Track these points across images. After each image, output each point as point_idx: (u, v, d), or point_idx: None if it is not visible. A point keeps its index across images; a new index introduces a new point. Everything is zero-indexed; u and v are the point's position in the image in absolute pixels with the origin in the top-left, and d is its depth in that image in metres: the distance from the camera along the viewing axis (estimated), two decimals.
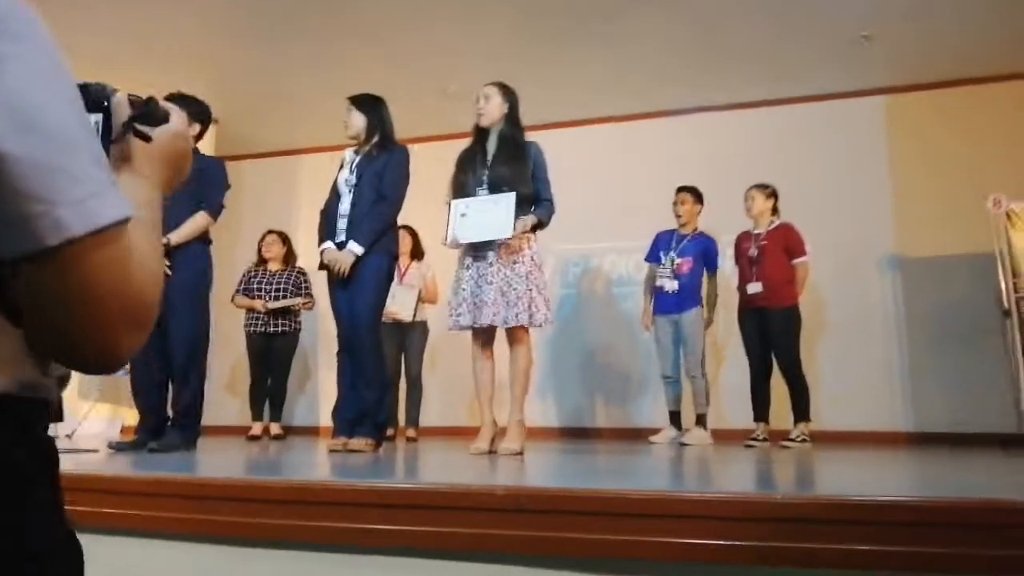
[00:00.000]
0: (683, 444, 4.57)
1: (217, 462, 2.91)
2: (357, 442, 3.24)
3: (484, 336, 3.24)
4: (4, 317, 0.58)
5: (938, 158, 5.58)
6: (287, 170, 7.00)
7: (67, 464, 2.42)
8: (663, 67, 5.56)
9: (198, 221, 3.47)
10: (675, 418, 4.83)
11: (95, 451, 3.33)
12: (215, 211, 3.55)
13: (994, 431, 4.95)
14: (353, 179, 3.47)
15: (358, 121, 3.53)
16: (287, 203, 6.76)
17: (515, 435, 3.11)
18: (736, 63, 5.47)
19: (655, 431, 4.92)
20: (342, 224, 3.46)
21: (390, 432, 5.21)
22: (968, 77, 5.56)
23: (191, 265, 3.45)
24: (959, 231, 5.29)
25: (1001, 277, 4.76)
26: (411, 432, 5.24)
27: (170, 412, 3.44)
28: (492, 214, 3.12)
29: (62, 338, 0.58)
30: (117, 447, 3.32)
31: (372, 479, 1.94)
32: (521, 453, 3.06)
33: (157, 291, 0.63)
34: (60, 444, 3.01)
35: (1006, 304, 4.72)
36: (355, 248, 3.34)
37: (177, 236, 3.40)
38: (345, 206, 3.47)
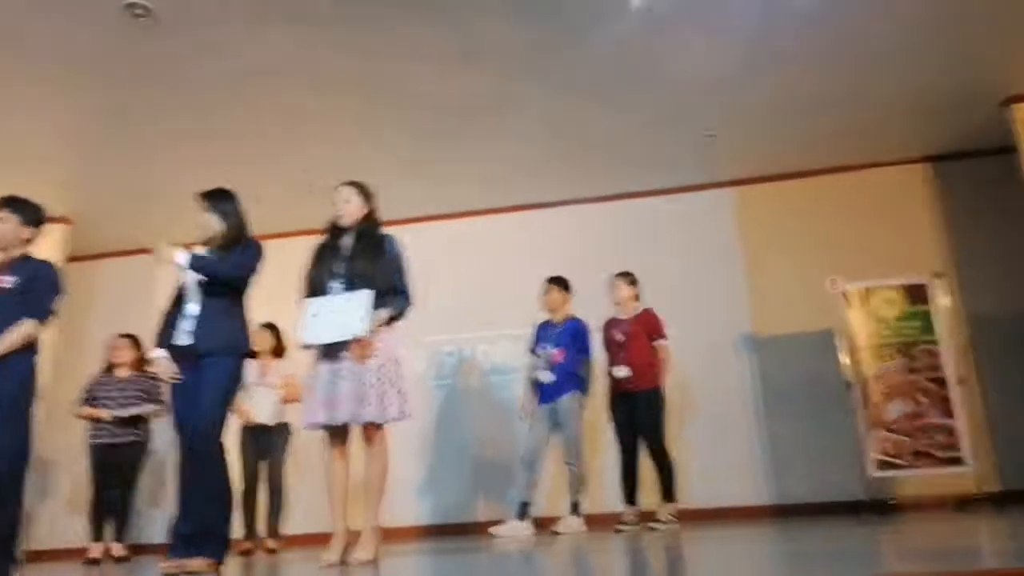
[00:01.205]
0: (556, 533, 4.52)
1: None
2: (197, 563, 2.98)
3: (338, 436, 3.11)
4: None
5: (787, 243, 5.99)
6: (143, 269, 6.66)
7: None
8: (526, 163, 5.78)
9: (24, 329, 3.19)
10: (524, 508, 4.70)
11: None
12: (43, 318, 3.29)
13: (847, 499, 5.18)
14: (203, 282, 3.32)
15: (214, 223, 3.36)
16: (146, 303, 6.42)
17: (368, 542, 2.96)
18: (594, 159, 5.77)
19: (540, 521, 4.81)
20: (188, 326, 3.28)
21: (249, 545, 4.91)
22: (808, 169, 6.08)
23: (13, 376, 3.15)
24: (807, 311, 5.65)
25: (840, 353, 5.10)
26: (271, 543, 4.93)
27: None
28: (345, 313, 3.05)
29: None
30: None
31: None
32: (375, 561, 2.91)
33: None
34: None
35: (847, 378, 5.05)
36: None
37: (2, 346, 3.13)
38: (194, 307, 3.30)
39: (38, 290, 3.30)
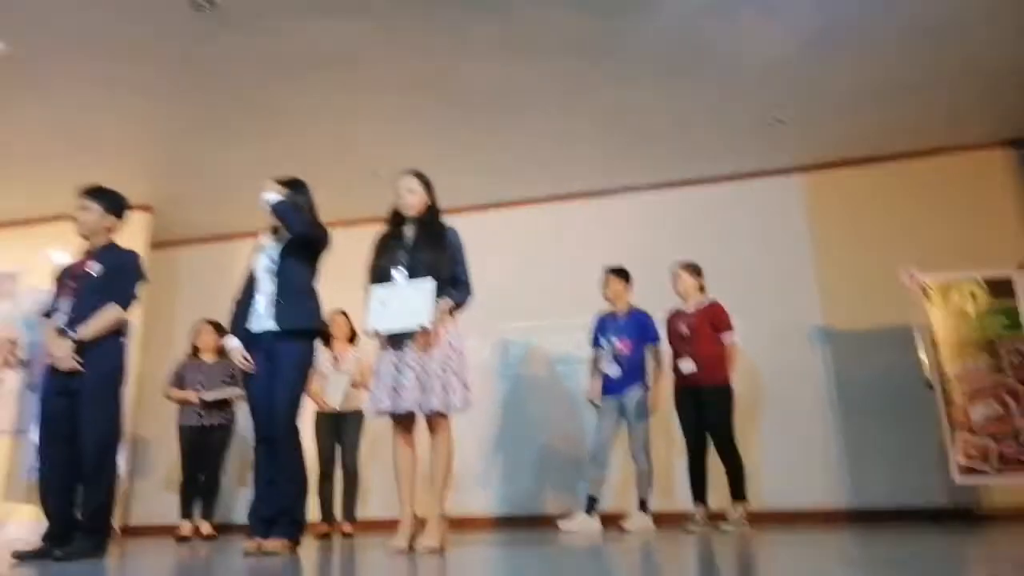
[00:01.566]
0: (624, 530, 4.50)
1: (123, 571, 2.77)
2: (273, 543, 3.13)
3: (404, 424, 3.18)
4: None
5: (859, 233, 5.78)
6: (224, 255, 6.96)
7: None
8: (589, 151, 5.77)
9: (108, 314, 3.39)
10: (592, 503, 4.70)
11: None
12: (126, 304, 3.47)
13: (928, 505, 4.99)
14: (275, 266, 3.45)
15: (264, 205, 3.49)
16: (224, 289, 6.70)
17: (435, 531, 3.02)
18: (657, 145, 5.70)
19: (607, 517, 4.79)
20: (261, 311, 3.41)
21: (325, 528, 5.08)
22: (881, 155, 5.84)
23: (103, 360, 3.36)
24: (882, 304, 5.44)
25: (921, 351, 4.89)
26: (347, 527, 5.08)
27: (79, 516, 3.28)
28: (411, 302, 3.12)
29: None
30: (21, 556, 3.15)
31: None
32: (442, 550, 2.98)
33: None
34: None
35: (927, 377, 4.83)
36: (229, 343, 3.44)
37: (87, 331, 3.32)
38: (266, 292, 3.43)
39: (122, 277, 3.48)
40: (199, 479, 5.39)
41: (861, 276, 5.65)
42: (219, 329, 5.63)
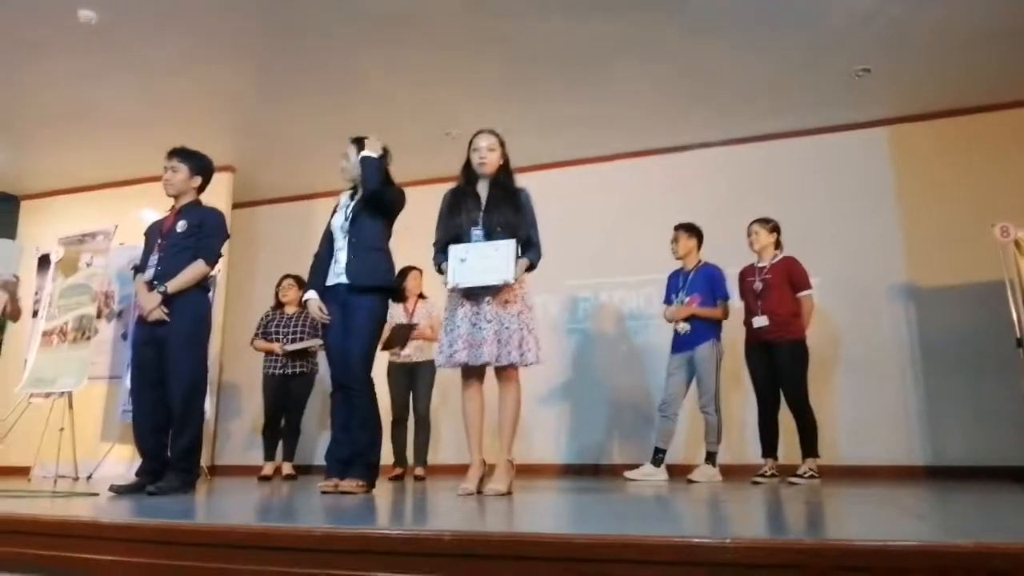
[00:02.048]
0: (691, 481, 4.51)
1: (209, 505, 2.95)
2: (348, 484, 3.27)
3: (475, 375, 3.26)
4: None
5: (946, 186, 5.54)
6: (302, 214, 7.16)
7: (58, 509, 2.49)
8: (664, 106, 5.66)
9: (194, 269, 3.57)
10: (659, 455, 4.72)
11: (96, 494, 3.40)
12: (211, 260, 3.65)
13: (1011, 463, 4.81)
14: (347, 224, 3.54)
15: (356, 161, 3.57)
16: (303, 246, 6.89)
17: (503, 475, 3.11)
18: (735, 99, 5.54)
19: (674, 468, 4.83)
20: (338, 267, 3.52)
21: (398, 471, 5.26)
22: (969, 106, 5.54)
23: (189, 312, 3.54)
24: (969, 260, 5.23)
25: (1012, 307, 4.66)
26: (419, 471, 5.26)
27: (170, 455, 3.50)
28: (492, 259, 3.17)
29: None
30: (118, 490, 3.38)
31: (336, 524, 1.96)
32: (509, 493, 3.06)
33: None
34: (77, 486, 3.10)
35: (1019, 334, 4.62)
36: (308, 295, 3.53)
37: (174, 284, 3.51)
38: (343, 249, 3.53)
39: (206, 234, 3.65)
40: (281, 424, 5.64)
41: (948, 231, 5.43)
42: (300, 283, 5.83)
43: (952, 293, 5.34)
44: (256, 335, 5.74)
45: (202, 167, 3.78)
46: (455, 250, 3.24)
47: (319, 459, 6.49)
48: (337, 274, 3.52)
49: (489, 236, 3.24)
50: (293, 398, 5.66)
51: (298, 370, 5.65)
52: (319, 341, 5.56)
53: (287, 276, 5.88)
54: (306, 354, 5.68)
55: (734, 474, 4.84)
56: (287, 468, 5.64)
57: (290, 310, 5.77)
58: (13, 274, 4.75)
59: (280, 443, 5.70)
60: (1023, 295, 4.64)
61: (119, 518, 2.17)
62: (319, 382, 5.89)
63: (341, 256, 3.53)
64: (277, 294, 5.86)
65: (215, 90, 5.43)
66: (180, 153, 3.74)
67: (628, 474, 4.75)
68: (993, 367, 5.00)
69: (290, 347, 5.59)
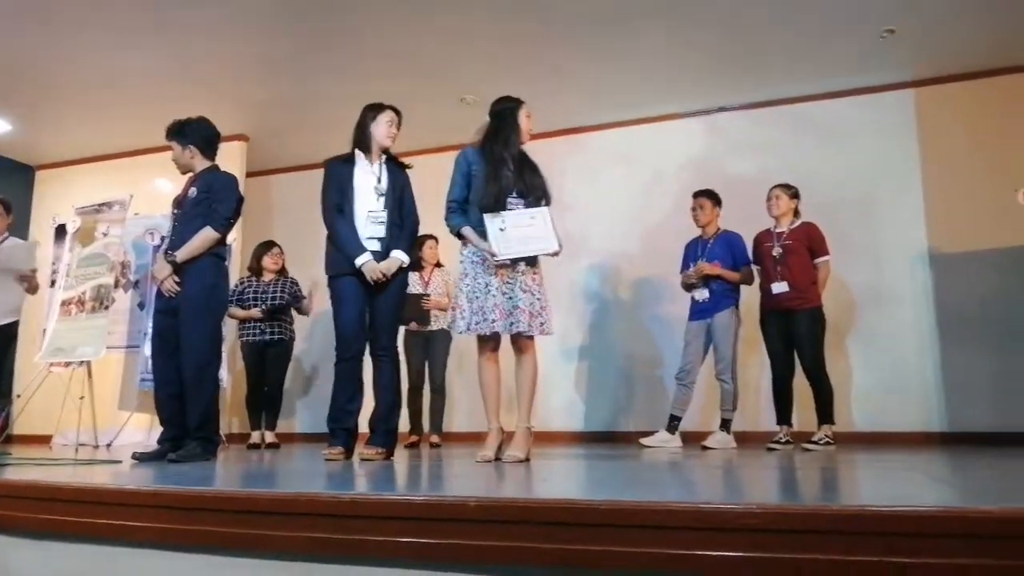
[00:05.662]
0: (705, 448, 4.52)
1: (225, 472, 2.98)
2: (369, 451, 3.29)
3: (491, 343, 3.25)
4: None
5: (973, 150, 5.43)
6: (316, 182, 7.09)
7: (71, 476, 2.52)
8: (684, 69, 5.55)
9: (203, 236, 3.55)
10: (674, 422, 4.73)
11: (119, 462, 3.44)
12: (220, 226, 3.61)
13: None
14: (383, 187, 3.51)
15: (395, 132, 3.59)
16: (319, 215, 6.87)
17: (521, 442, 3.11)
18: (757, 62, 5.42)
19: (689, 435, 4.83)
20: (377, 231, 3.47)
21: (414, 439, 5.30)
22: (995, 68, 5.41)
23: (200, 279, 3.53)
24: (994, 225, 5.15)
25: None
26: (434, 438, 5.29)
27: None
28: (531, 228, 3.16)
29: None
30: (139, 457, 3.42)
31: (356, 491, 1.97)
32: (527, 460, 3.07)
33: None
34: (98, 454, 3.13)
35: None
36: (404, 259, 3.51)
37: (183, 253, 3.50)
38: (378, 212, 3.49)
39: (216, 199, 3.60)
40: (263, 391, 5.55)
41: (972, 195, 5.34)
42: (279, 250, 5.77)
43: (974, 258, 5.27)
44: (231, 302, 5.40)
45: (190, 136, 3.72)
46: (492, 220, 3.17)
47: (300, 428, 6.59)
48: (374, 240, 3.48)
49: (527, 204, 3.23)
50: (271, 366, 5.52)
51: (276, 336, 5.51)
52: (305, 300, 5.61)
53: (274, 244, 5.76)
54: (282, 320, 5.57)
55: (749, 440, 4.84)
56: (270, 437, 5.52)
57: (267, 276, 5.63)
58: (31, 268, 5.00)
59: (263, 411, 5.58)
60: None
61: (144, 485, 2.19)
62: (307, 349, 5.79)
63: (372, 226, 3.48)
64: (261, 260, 5.67)
65: (230, 60, 5.39)
66: (168, 132, 3.74)
67: (643, 440, 4.76)
68: (1015, 334, 4.95)
69: (270, 307, 5.46)
